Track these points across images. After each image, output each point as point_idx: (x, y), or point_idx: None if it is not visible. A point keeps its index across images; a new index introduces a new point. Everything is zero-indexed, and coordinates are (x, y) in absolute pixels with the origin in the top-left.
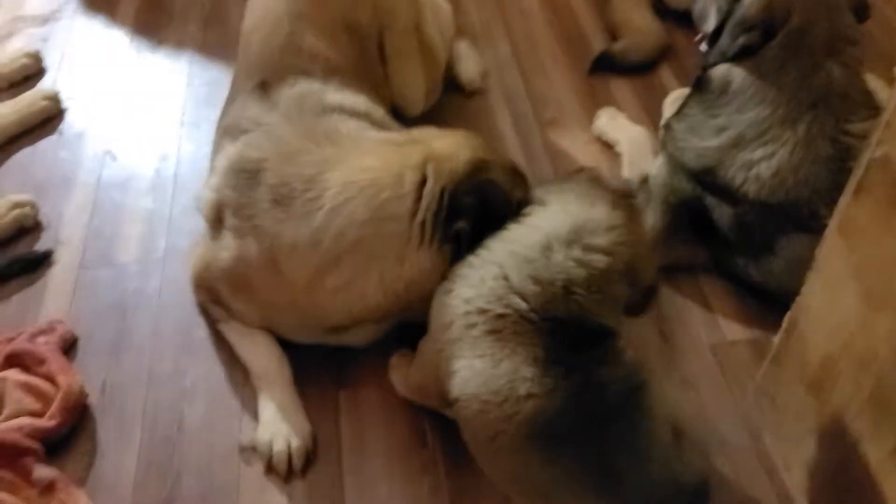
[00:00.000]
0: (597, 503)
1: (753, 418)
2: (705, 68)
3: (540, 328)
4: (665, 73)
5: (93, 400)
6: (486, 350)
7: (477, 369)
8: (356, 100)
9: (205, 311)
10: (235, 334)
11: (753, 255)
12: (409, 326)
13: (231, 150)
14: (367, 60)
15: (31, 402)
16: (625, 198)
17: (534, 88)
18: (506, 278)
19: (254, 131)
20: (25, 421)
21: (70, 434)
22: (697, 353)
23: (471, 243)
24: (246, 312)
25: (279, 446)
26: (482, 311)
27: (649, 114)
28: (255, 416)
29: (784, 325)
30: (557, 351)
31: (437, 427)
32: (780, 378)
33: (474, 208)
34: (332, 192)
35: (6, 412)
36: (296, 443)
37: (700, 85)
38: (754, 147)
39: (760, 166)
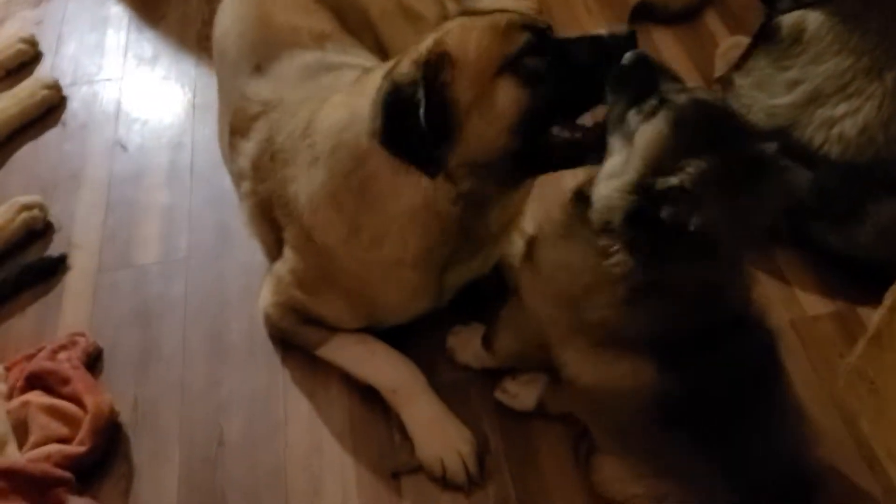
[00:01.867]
0: (725, 486)
1: (847, 402)
2: (772, 14)
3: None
4: (712, 20)
5: (124, 418)
6: None
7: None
8: (359, 59)
9: (289, 345)
10: (345, 354)
11: (836, 223)
12: None
13: (248, 145)
14: (350, 29)
15: (58, 427)
16: None
17: None
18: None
19: (265, 112)
20: (54, 448)
21: (103, 458)
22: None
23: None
24: (337, 312)
25: (451, 459)
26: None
27: (699, 68)
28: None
29: (888, 301)
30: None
31: (498, 429)
32: (882, 361)
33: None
34: (320, 138)
35: (32, 440)
36: (466, 449)
37: (766, 34)
38: (835, 102)
39: (844, 124)
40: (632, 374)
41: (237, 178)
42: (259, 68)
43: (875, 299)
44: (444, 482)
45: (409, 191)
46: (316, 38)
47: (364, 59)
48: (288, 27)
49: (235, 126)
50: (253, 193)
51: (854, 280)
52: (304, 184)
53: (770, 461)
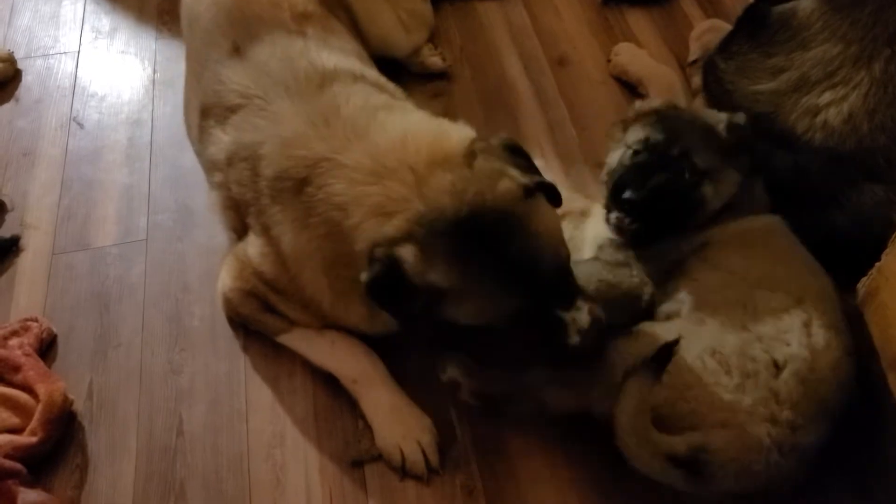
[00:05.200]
0: None
1: None
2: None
3: None
4: (687, 3)
5: (79, 406)
6: None
7: None
8: (349, 60)
9: (250, 330)
10: (306, 343)
11: (815, 208)
12: None
13: (225, 138)
14: (327, 6)
15: (8, 417)
16: None
17: (542, 24)
18: None
19: (245, 107)
20: (4, 439)
21: (57, 448)
22: None
23: None
24: (299, 316)
25: (410, 448)
26: None
27: (673, 51)
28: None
29: (861, 292)
30: None
31: (465, 419)
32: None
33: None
34: (322, 212)
35: None
36: (426, 438)
37: (752, 18)
38: (821, 90)
39: (828, 112)
40: None
41: (209, 165)
42: (237, 49)
43: (852, 284)
44: (404, 471)
45: None
46: (297, 18)
47: (349, 62)
48: (268, 2)
49: (208, 108)
50: (225, 187)
51: (831, 265)
52: (292, 235)
53: None
